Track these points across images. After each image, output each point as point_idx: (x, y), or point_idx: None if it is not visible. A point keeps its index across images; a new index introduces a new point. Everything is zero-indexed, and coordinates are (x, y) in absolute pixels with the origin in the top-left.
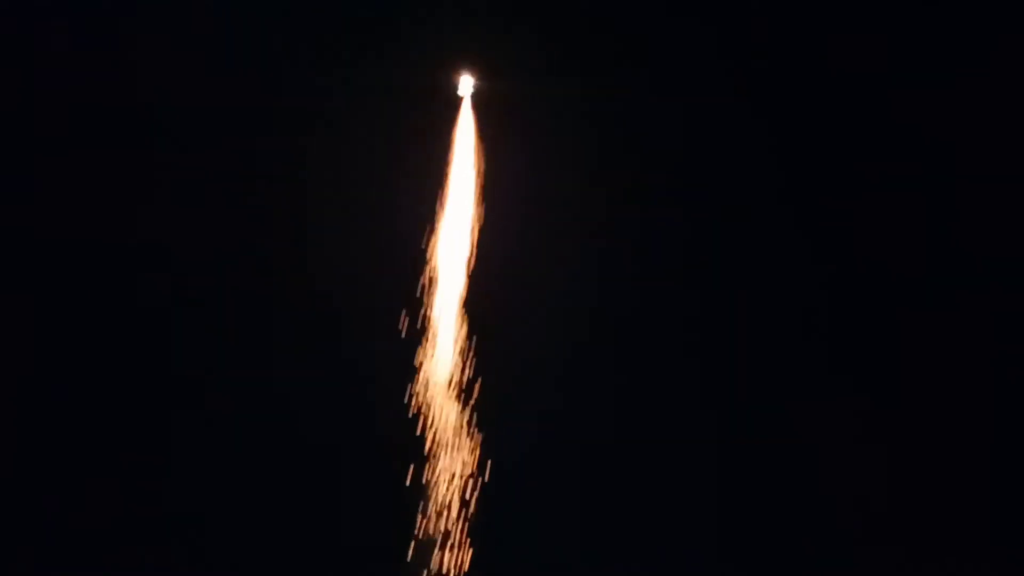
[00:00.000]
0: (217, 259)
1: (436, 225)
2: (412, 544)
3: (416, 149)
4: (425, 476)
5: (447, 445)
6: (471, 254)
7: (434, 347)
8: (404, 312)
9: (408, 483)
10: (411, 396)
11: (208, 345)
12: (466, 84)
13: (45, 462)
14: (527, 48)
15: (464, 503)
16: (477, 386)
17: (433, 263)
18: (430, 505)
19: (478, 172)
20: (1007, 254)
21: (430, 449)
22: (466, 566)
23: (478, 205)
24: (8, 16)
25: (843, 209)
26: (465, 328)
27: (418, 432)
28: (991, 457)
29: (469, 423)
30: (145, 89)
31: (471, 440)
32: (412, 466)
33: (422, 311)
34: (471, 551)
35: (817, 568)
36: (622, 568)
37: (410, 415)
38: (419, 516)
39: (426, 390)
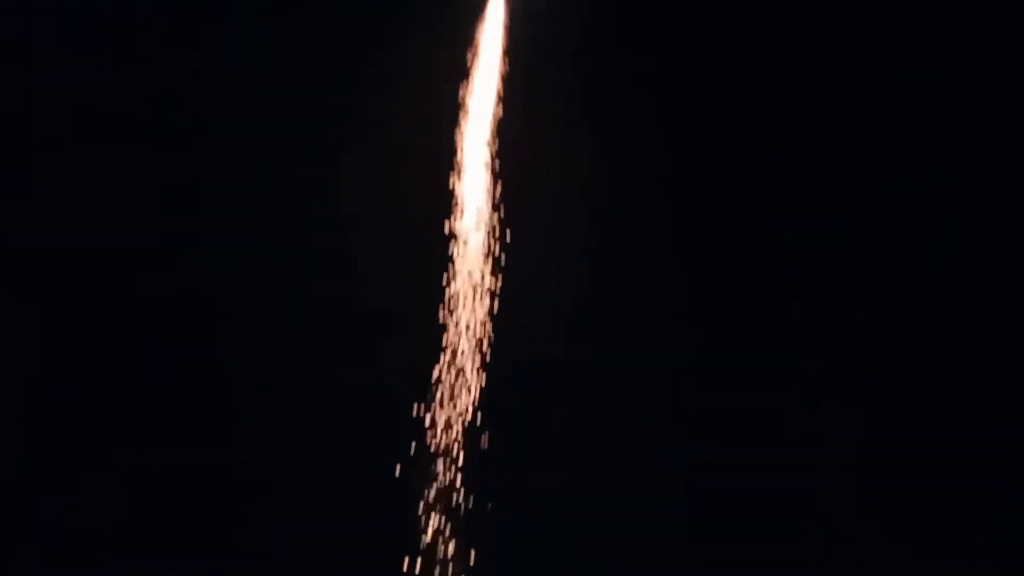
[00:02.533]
0: (216, 257)
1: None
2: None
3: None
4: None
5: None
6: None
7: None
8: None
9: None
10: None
11: (209, 344)
12: None
13: (45, 462)
14: None
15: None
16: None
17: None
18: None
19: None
20: (1007, 254)
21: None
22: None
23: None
24: (8, 16)
25: (843, 209)
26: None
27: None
28: (991, 457)
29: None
30: (148, 88)
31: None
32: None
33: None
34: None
35: (816, 567)
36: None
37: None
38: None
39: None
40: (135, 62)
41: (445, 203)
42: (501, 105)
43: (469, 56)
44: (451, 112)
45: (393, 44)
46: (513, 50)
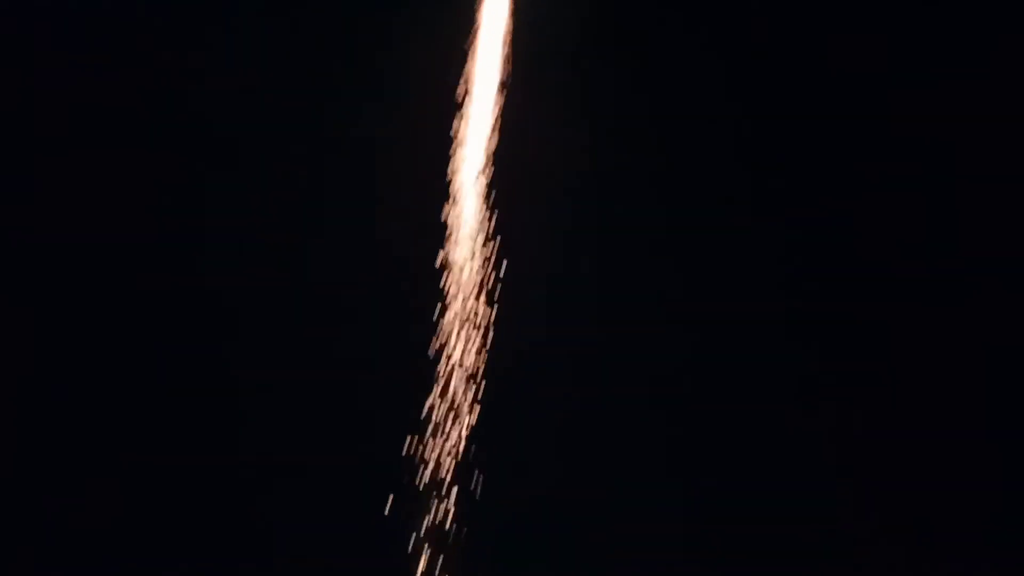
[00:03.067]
0: (216, 257)
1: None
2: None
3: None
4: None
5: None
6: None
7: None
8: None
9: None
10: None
11: (209, 344)
12: None
13: (45, 462)
14: None
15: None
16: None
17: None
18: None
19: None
20: (1007, 254)
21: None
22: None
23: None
24: (8, 16)
25: (843, 209)
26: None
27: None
28: (991, 457)
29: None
30: (148, 88)
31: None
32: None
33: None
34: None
35: (816, 567)
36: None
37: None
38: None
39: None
40: (135, 62)
41: (445, 200)
42: (501, 105)
43: (469, 56)
44: (451, 111)
45: (393, 44)
46: (513, 50)
